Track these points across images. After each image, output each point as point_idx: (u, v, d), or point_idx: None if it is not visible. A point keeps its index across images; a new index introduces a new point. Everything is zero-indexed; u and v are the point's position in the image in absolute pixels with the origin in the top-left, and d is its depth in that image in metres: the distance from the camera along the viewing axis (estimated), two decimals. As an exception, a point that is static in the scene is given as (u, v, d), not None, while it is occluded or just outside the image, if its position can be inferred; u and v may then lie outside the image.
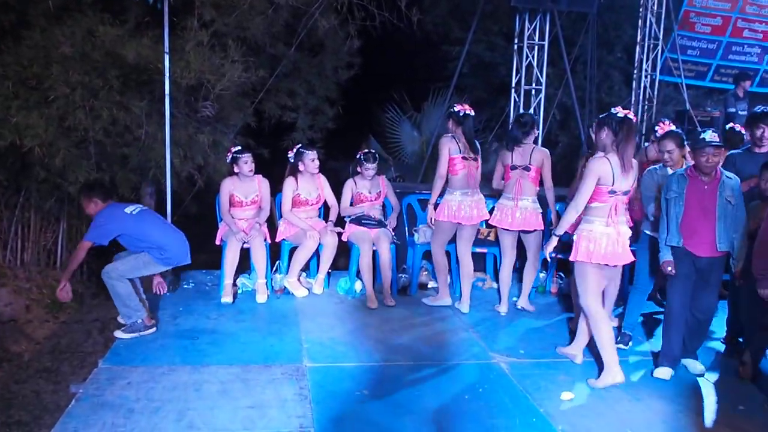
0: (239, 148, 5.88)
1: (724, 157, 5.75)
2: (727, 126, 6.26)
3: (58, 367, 5.36)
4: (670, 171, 4.44)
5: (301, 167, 5.80)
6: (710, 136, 4.01)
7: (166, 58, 5.79)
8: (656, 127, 5.06)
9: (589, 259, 4.04)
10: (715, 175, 4.10)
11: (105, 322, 5.80)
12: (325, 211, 6.13)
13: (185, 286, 6.05)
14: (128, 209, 4.90)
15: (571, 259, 4.18)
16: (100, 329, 5.86)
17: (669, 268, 4.14)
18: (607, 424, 3.64)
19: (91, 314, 6.38)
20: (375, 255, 5.81)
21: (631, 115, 4.04)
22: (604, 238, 4.03)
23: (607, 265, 4.12)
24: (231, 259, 5.55)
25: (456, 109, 5.44)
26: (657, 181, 4.50)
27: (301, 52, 8.26)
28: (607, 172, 3.97)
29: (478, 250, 6.02)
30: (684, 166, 4.35)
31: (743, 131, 5.92)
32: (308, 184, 5.88)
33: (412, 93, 11.04)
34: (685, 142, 4.57)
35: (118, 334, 4.69)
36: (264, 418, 3.54)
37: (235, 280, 5.76)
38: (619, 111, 4.03)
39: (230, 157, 5.76)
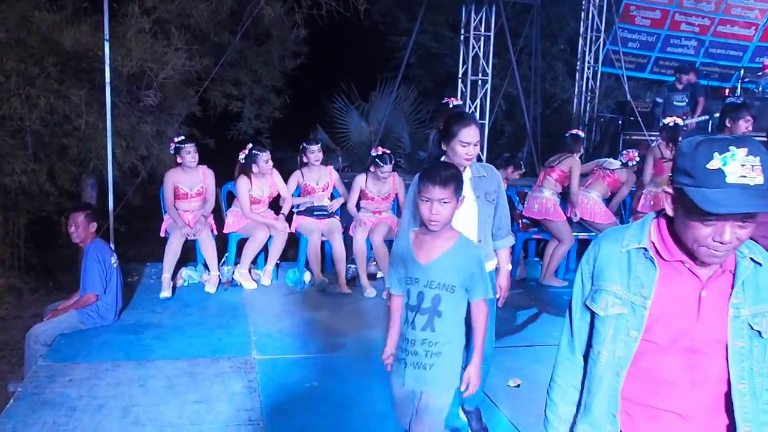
0: (182, 138, 5.76)
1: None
2: (666, 120, 6.25)
3: (-5, 365, 5.19)
4: None
5: (254, 168, 5.71)
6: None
7: (106, 45, 5.62)
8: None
9: None
10: None
11: (43, 316, 5.62)
12: (276, 204, 6.06)
13: (128, 280, 5.91)
14: (113, 260, 4.74)
15: None
16: (39, 325, 5.68)
17: None
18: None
19: (30, 309, 6.21)
20: (324, 246, 5.80)
21: None
22: None
23: None
24: (172, 253, 5.44)
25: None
26: None
27: (246, 41, 8.16)
28: None
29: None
30: None
31: (679, 122, 6.07)
32: (261, 182, 5.80)
33: (360, 83, 11.01)
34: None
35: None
36: (212, 413, 3.51)
37: (180, 273, 5.66)
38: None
39: (173, 147, 5.64)
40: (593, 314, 1.68)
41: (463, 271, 2.47)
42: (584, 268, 1.72)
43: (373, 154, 5.75)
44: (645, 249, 1.61)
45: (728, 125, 4.66)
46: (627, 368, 1.62)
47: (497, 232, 3.24)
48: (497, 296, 3.20)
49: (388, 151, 5.81)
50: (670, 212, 1.55)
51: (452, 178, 2.42)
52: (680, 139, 6.03)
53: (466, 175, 3.09)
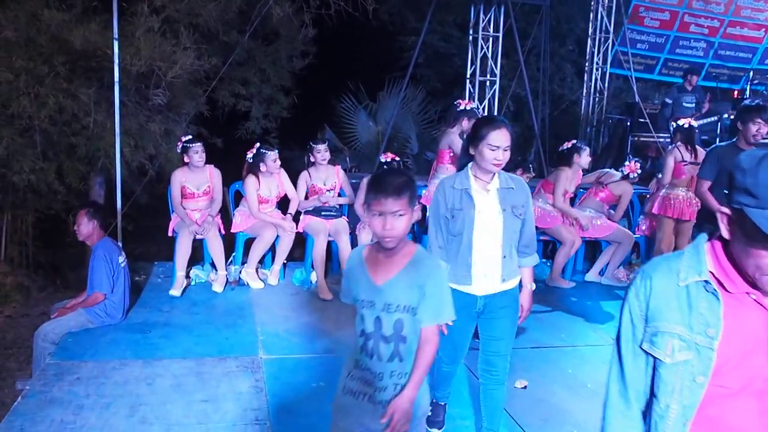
0: (189, 137, 5.76)
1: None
2: (680, 122, 6.20)
3: (4, 363, 5.22)
4: None
5: (262, 168, 5.71)
6: None
7: (115, 44, 5.63)
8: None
9: None
10: None
11: (50, 314, 5.64)
12: (283, 203, 6.06)
13: (136, 279, 5.93)
14: (121, 259, 4.74)
15: None
16: (47, 323, 5.70)
17: None
18: (552, 415, 3.71)
19: (38, 308, 6.22)
20: (330, 246, 5.79)
21: None
22: None
23: None
24: (183, 252, 5.45)
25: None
26: None
27: (255, 40, 8.16)
28: None
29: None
30: None
31: (693, 123, 6.03)
32: (269, 182, 5.80)
33: (368, 83, 11.01)
34: None
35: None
36: (219, 412, 3.50)
37: (188, 272, 5.67)
38: None
39: (180, 146, 5.65)
40: (653, 360, 1.47)
41: (423, 288, 2.17)
42: (633, 305, 1.50)
43: (382, 159, 5.70)
44: (706, 281, 1.40)
45: (739, 128, 4.49)
46: (692, 418, 1.43)
47: (524, 249, 3.06)
48: (519, 315, 3.10)
49: (398, 158, 5.76)
50: (726, 235, 1.37)
51: (406, 186, 2.11)
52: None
53: (493, 185, 2.93)
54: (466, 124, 5.55)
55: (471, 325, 3.09)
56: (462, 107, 5.68)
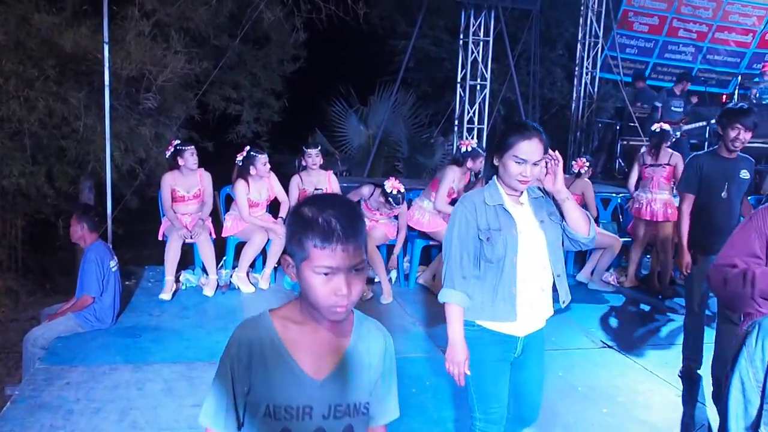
0: (178, 141, 5.75)
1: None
2: (653, 126, 6.32)
3: (-8, 367, 5.18)
4: None
5: (252, 171, 5.70)
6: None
7: (106, 48, 5.62)
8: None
9: None
10: None
11: (41, 320, 5.62)
12: (275, 207, 6.06)
13: (126, 283, 5.90)
14: (112, 264, 4.71)
15: None
16: (36, 328, 5.67)
17: None
18: (542, 418, 3.73)
19: (27, 312, 6.19)
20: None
21: None
22: None
23: None
24: (172, 255, 5.43)
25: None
26: None
27: (245, 44, 8.17)
28: None
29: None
30: None
31: (668, 129, 6.15)
32: (259, 185, 5.79)
33: (359, 87, 11.03)
34: None
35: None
36: (210, 416, 3.49)
37: (178, 276, 5.65)
38: None
39: (173, 150, 5.63)
40: None
41: (376, 371, 1.55)
42: (746, 375, 1.19)
43: (388, 189, 5.51)
44: None
45: (721, 133, 4.06)
46: None
47: (575, 231, 2.50)
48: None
49: (403, 190, 5.56)
50: None
51: (361, 221, 1.40)
52: (666, 144, 6.06)
53: (524, 197, 2.51)
54: (470, 164, 5.75)
55: (508, 373, 2.56)
56: (465, 148, 5.78)
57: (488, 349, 2.48)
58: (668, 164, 6.01)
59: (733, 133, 3.97)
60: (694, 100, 9.73)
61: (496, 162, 2.45)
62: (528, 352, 2.54)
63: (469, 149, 5.76)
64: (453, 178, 5.80)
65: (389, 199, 5.52)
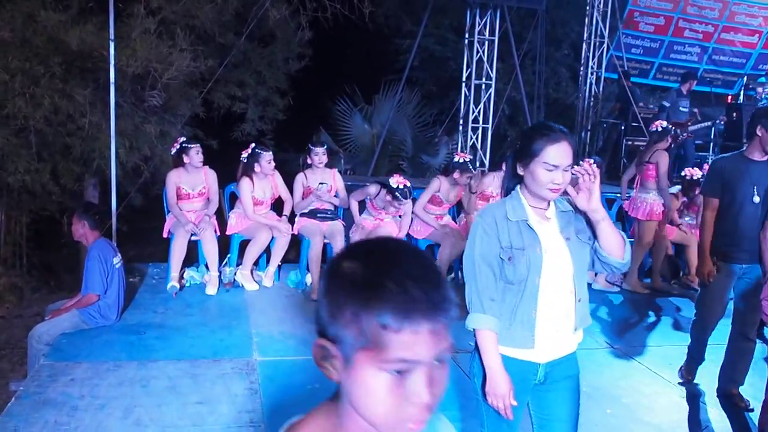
0: (184, 139, 5.76)
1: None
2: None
3: (-3, 363, 5.19)
4: None
5: (257, 168, 5.70)
6: None
7: (112, 45, 5.63)
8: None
9: None
10: None
11: (44, 316, 5.64)
12: (279, 205, 6.06)
13: (131, 280, 5.91)
14: (115, 260, 4.70)
15: None
16: (41, 324, 5.69)
17: None
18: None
19: (31, 308, 6.20)
20: (326, 248, 5.80)
21: None
22: None
23: None
24: (178, 252, 5.45)
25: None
26: None
27: (251, 42, 8.17)
28: None
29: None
30: None
31: (667, 126, 6.12)
32: (263, 183, 5.80)
33: (364, 85, 11.03)
34: None
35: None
36: (214, 414, 3.50)
37: (182, 273, 5.66)
38: None
39: (178, 147, 5.63)
40: None
41: None
42: None
43: (393, 185, 5.52)
44: None
45: (759, 134, 3.70)
46: None
47: (608, 255, 2.25)
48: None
49: (409, 185, 5.59)
50: None
51: (446, 281, 0.91)
52: (663, 144, 6.04)
53: (551, 211, 2.28)
54: (457, 176, 5.77)
55: (524, 402, 2.35)
56: (457, 159, 5.81)
57: (509, 375, 2.25)
58: (649, 162, 6.01)
59: None
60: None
61: (520, 171, 2.21)
62: (553, 380, 2.30)
63: (461, 161, 5.76)
64: (437, 186, 5.88)
65: (396, 194, 5.51)
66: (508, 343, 2.23)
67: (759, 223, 3.63)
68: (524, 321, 2.21)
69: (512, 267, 2.18)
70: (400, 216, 5.90)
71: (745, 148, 3.90)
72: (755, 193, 3.72)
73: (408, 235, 6.01)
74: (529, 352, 2.24)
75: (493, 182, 5.91)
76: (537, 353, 2.24)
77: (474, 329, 2.23)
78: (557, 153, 2.13)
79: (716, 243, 3.89)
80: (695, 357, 4.22)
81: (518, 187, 2.26)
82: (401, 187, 5.50)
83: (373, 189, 5.78)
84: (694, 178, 6.10)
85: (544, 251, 2.19)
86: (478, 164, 8.75)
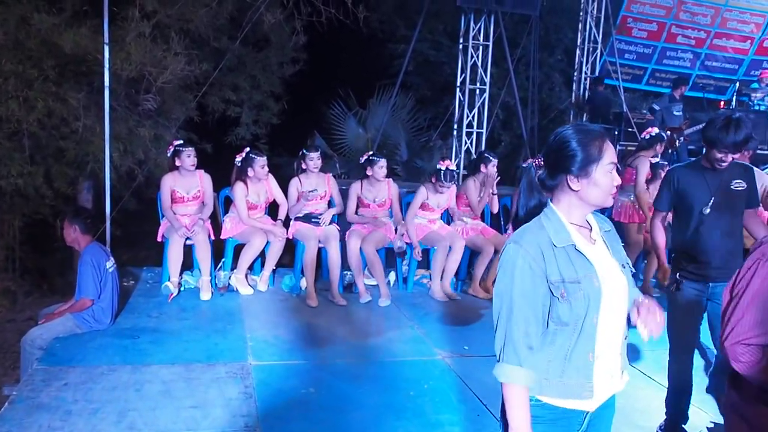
0: (181, 141, 5.75)
1: None
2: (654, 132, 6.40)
3: (-11, 368, 5.16)
4: None
5: (250, 173, 5.70)
6: None
7: (106, 48, 5.61)
8: None
9: None
10: None
11: (38, 320, 5.61)
12: (273, 209, 6.05)
13: (125, 284, 5.89)
14: (108, 264, 4.67)
15: None
16: (34, 328, 5.66)
17: None
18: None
19: (24, 313, 6.17)
20: (320, 253, 5.80)
21: None
22: None
23: None
24: (174, 257, 5.43)
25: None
26: None
27: (245, 47, 8.18)
28: None
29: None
30: None
31: (662, 135, 6.23)
32: (257, 187, 5.79)
33: (358, 90, 11.04)
34: None
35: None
36: (208, 418, 3.49)
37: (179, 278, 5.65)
38: None
39: (172, 150, 5.62)
40: None
41: None
42: None
43: (441, 167, 5.81)
44: None
45: (705, 146, 3.40)
46: None
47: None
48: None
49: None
50: None
51: None
52: (658, 147, 6.12)
53: (595, 231, 1.95)
54: (435, 180, 5.88)
55: None
56: (440, 167, 5.85)
57: (545, 429, 1.87)
58: (629, 166, 6.14)
59: (719, 155, 3.28)
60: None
61: (575, 186, 1.84)
62: (593, 427, 1.94)
63: (443, 169, 5.79)
64: (424, 195, 5.95)
65: (371, 158, 5.88)
66: (560, 394, 1.84)
67: (717, 233, 3.36)
68: (580, 367, 1.84)
69: (567, 305, 1.79)
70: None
71: (701, 157, 3.51)
72: (709, 203, 3.36)
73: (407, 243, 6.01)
74: (582, 402, 1.87)
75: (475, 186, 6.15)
76: (590, 402, 1.88)
77: (502, 383, 1.84)
78: (612, 150, 1.87)
79: (677, 258, 3.56)
80: (677, 418, 3.63)
81: (550, 203, 1.90)
82: (444, 169, 5.77)
83: (356, 185, 6.00)
84: None
85: (601, 281, 1.83)
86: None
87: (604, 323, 1.83)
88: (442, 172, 5.76)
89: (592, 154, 1.82)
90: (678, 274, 3.48)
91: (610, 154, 1.84)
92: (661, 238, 3.69)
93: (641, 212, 6.04)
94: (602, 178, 1.82)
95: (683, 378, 3.59)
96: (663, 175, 4.00)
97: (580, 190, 1.84)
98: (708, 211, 3.38)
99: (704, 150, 3.45)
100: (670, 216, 3.84)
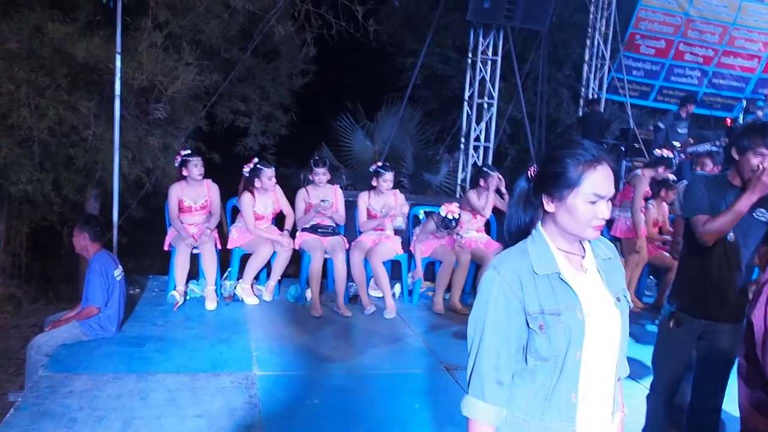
0: (189, 151, 5.78)
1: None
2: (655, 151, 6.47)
3: (-6, 374, 5.17)
4: None
5: (257, 184, 5.73)
6: None
7: (118, 58, 5.67)
8: None
9: None
10: None
11: (44, 327, 5.62)
12: (280, 219, 6.07)
13: (131, 292, 5.90)
14: (116, 273, 4.70)
15: None
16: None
17: None
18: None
19: (29, 319, 6.18)
20: (326, 264, 5.80)
21: None
22: None
23: None
24: (181, 266, 5.45)
25: None
26: None
27: (256, 58, 8.23)
28: None
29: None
30: None
31: (670, 155, 6.24)
32: (264, 198, 5.81)
33: (366, 102, 11.07)
34: None
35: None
36: (213, 428, 3.49)
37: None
38: None
39: (179, 160, 5.65)
40: None
41: None
42: None
43: (373, 168, 5.89)
44: None
45: (735, 157, 2.86)
46: None
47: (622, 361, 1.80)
48: None
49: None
50: None
51: None
52: (662, 169, 6.13)
53: (589, 258, 1.73)
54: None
55: None
56: (443, 212, 5.78)
57: None
58: (628, 183, 6.19)
59: (756, 160, 2.76)
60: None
61: (549, 207, 1.67)
62: None
63: (444, 216, 5.75)
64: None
65: (378, 170, 5.91)
66: None
67: (736, 268, 2.89)
68: (562, 409, 1.66)
69: (546, 338, 1.62)
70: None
71: (729, 171, 2.97)
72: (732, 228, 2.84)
73: (409, 252, 6.03)
74: None
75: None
76: None
77: (467, 418, 1.70)
78: (602, 179, 1.61)
79: (680, 289, 3.10)
80: None
81: (539, 225, 1.72)
82: (380, 164, 5.92)
83: (364, 195, 6.00)
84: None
85: (586, 315, 1.64)
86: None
87: (590, 361, 1.65)
88: (443, 219, 5.75)
89: (569, 178, 1.62)
90: (677, 306, 3.04)
91: (594, 183, 1.60)
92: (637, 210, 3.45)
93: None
94: (579, 207, 1.61)
95: (657, 421, 3.20)
96: (685, 185, 3.98)
97: (555, 213, 1.66)
98: (733, 237, 2.87)
99: (732, 165, 2.93)
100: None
